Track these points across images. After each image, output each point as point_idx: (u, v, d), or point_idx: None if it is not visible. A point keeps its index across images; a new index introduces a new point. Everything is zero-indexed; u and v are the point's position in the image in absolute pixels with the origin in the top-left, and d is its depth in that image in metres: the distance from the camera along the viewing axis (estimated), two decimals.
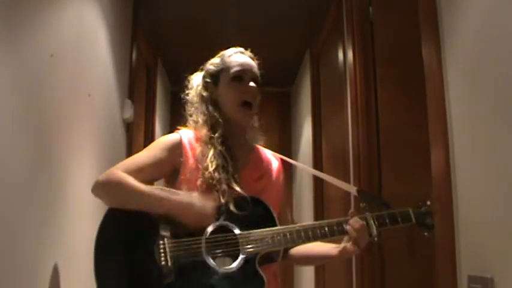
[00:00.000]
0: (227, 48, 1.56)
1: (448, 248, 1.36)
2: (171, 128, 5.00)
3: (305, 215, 3.65)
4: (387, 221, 1.34)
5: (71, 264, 1.83)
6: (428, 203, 1.41)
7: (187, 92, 1.53)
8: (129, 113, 2.82)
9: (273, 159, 1.57)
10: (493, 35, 1.21)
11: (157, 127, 4.01)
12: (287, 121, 4.87)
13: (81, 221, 1.97)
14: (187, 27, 3.52)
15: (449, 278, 1.35)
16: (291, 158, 1.57)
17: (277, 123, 4.84)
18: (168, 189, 1.33)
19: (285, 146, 4.65)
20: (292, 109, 4.86)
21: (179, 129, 1.47)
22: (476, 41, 1.29)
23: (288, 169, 1.59)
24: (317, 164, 3.46)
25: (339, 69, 2.78)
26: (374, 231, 1.31)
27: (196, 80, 1.54)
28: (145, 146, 3.75)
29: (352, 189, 1.51)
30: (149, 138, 3.71)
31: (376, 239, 1.31)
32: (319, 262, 1.49)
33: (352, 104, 2.46)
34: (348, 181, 2.46)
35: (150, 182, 1.38)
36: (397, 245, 1.92)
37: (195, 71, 1.59)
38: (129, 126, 2.90)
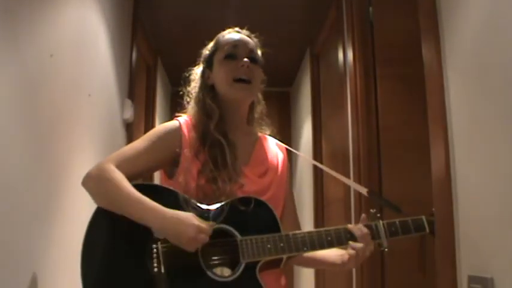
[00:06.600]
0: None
1: (448, 248, 1.36)
2: None
3: (305, 217, 3.63)
4: (399, 230, 1.24)
5: (70, 263, 1.83)
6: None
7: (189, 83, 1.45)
8: (129, 113, 2.82)
9: (278, 150, 1.44)
10: (493, 35, 1.21)
11: None
12: (287, 121, 4.87)
13: (81, 221, 1.96)
14: (187, 27, 3.52)
15: (449, 278, 1.35)
16: (290, 157, 1.51)
17: (277, 123, 4.83)
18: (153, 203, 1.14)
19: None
20: (292, 109, 4.86)
21: (178, 116, 1.37)
22: (476, 41, 1.29)
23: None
24: None
25: (339, 69, 2.78)
26: (384, 241, 1.22)
27: (197, 70, 1.46)
28: None
29: (363, 190, 1.40)
30: None
31: (386, 249, 1.22)
32: (321, 267, 1.38)
33: (352, 104, 2.45)
34: None
35: (145, 173, 1.29)
36: (397, 245, 1.91)
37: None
38: (129, 126, 2.90)
